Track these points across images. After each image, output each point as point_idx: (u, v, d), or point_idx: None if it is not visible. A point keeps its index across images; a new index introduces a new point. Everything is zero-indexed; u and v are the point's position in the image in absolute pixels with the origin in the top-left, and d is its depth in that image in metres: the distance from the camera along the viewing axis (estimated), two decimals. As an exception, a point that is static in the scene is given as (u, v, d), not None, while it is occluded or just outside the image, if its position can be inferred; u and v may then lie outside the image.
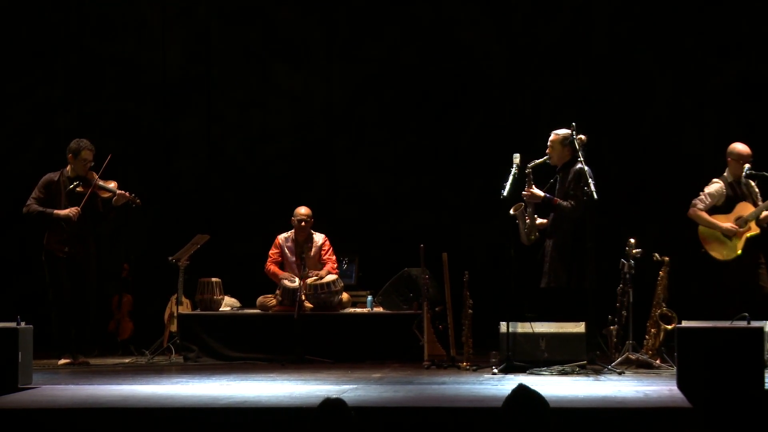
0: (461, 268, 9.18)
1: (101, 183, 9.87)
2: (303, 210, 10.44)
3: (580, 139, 8.83)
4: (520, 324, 8.60)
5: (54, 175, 9.87)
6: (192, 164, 12.33)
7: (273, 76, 12.23)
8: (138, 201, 9.90)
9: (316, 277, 10.10)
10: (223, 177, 12.26)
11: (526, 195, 8.94)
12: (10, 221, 11.33)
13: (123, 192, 9.81)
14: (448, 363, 9.10)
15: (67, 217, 9.69)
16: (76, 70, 12.33)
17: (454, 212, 11.79)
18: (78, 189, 9.81)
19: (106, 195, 9.88)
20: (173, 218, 12.00)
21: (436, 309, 9.45)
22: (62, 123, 12.20)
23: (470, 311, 9.05)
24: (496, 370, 8.40)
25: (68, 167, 9.89)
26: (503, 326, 8.52)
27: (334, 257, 10.42)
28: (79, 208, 9.71)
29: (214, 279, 10.36)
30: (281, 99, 12.23)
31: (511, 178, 8.73)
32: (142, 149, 12.18)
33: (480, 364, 8.79)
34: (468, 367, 8.83)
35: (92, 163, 9.87)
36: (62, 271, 9.75)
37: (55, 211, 9.74)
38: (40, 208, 9.76)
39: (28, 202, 9.82)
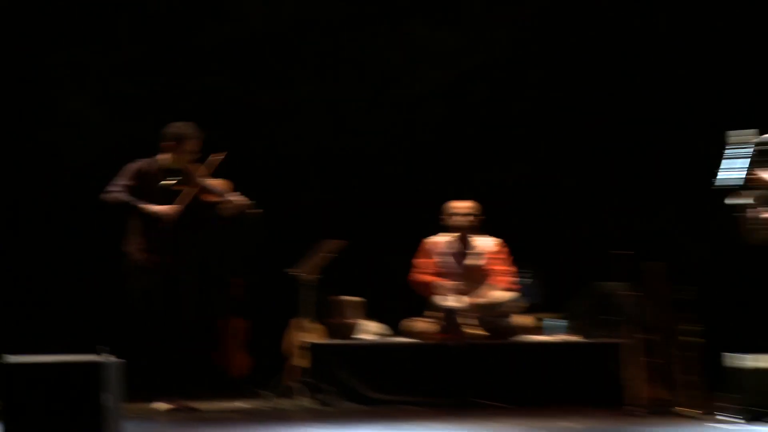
0: (677, 281, 8.15)
1: (207, 183, 8.29)
2: (464, 204, 9.22)
3: None
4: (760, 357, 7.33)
5: (146, 164, 8.33)
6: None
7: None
8: (258, 210, 8.33)
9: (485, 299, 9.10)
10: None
11: (751, 179, 7.52)
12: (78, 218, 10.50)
13: (236, 197, 8.24)
14: (663, 408, 8.03)
15: (158, 216, 8.15)
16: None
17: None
18: (175, 187, 8.22)
19: (212, 199, 8.30)
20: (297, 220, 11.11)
21: (645, 336, 8.34)
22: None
23: (694, 340, 8.03)
24: (735, 419, 7.14)
25: (164, 156, 8.32)
26: (732, 359, 7.33)
27: (510, 269, 9.27)
28: (180, 207, 8.15)
29: (353, 298, 9.53)
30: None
31: (726, 162, 7.50)
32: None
33: (707, 409, 7.68)
34: (693, 413, 7.71)
35: (199, 155, 8.31)
36: (153, 288, 8.20)
37: (147, 206, 8.18)
38: (127, 198, 8.19)
39: (111, 189, 8.24)
